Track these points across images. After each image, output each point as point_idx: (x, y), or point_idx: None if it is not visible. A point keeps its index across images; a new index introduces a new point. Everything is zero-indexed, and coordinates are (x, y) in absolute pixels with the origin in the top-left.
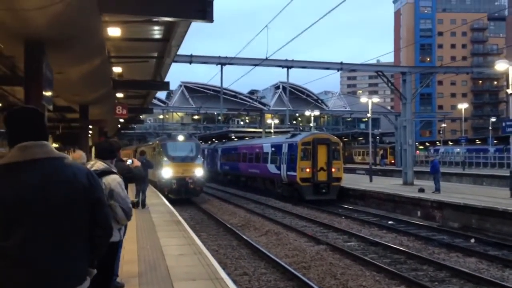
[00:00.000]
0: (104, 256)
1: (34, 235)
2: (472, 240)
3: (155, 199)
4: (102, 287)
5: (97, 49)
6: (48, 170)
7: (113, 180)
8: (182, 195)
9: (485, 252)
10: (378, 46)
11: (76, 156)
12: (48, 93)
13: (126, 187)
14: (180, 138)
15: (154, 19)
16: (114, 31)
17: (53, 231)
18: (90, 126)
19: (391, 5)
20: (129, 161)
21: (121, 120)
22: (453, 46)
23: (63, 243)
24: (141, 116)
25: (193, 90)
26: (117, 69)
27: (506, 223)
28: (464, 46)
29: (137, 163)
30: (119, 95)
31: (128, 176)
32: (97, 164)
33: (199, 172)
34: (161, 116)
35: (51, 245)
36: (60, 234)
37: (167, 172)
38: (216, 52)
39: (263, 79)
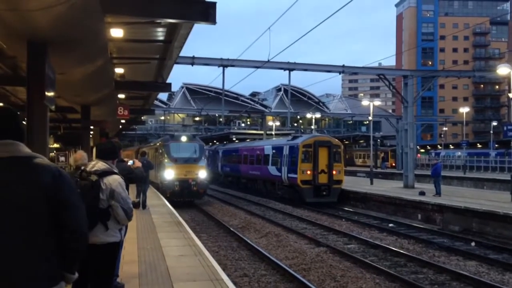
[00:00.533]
0: (103, 256)
1: None
2: (473, 244)
3: (155, 200)
4: None
5: (99, 50)
6: (7, 169)
7: (114, 181)
8: (185, 197)
9: (486, 255)
10: (380, 50)
11: (77, 156)
12: (50, 94)
13: (127, 188)
14: (183, 138)
15: (157, 21)
16: (116, 32)
17: (10, 231)
18: (92, 127)
19: (393, 10)
20: (130, 162)
21: (123, 121)
22: (455, 50)
23: (22, 244)
24: (142, 117)
25: (194, 92)
26: (119, 70)
27: (507, 227)
28: (466, 50)
29: (138, 164)
30: (121, 96)
31: (129, 176)
32: (98, 165)
33: (202, 174)
34: (162, 117)
35: (9, 245)
36: (18, 235)
37: (169, 173)
38: (218, 54)
39: (264, 82)
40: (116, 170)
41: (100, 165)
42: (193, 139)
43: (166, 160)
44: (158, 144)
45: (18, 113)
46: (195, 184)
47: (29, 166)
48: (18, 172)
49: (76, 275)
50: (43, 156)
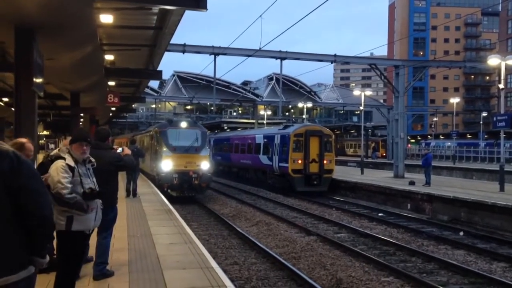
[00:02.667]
0: (62, 245)
1: None
2: (461, 233)
3: (146, 188)
4: (65, 278)
5: (89, 36)
6: None
7: (54, 164)
8: (184, 192)
9: (474, 245)
10: (372, 40)
11: (66, 143)
12: (38, 80)
13: (116, 176)
14: (183, 124)
15: (147, 7)
16: (106, 18)
17: None
18: (81, 114)
19: (385, 0)
20: (119, 150)
21: (113, 109)
22: (446, 40)
23: None
24: (133, 105)
25: (186, 80)
26: (109, 57)
27: (495, 217)
28: (457, 40)
29: (128, 151)
30: (111, 83)
31: (119, 164)
32: (54, 151)
33: (205, 165)
34: (153, 106)
35: None
36: None
37: (167, 164)
38: (209, 43)
39: (256, 71)
40: (64, 155)
41: (55, 151)
42: (195, 125)
43: (163, 149)
44: (153, 130)
45: None
46: (197, 177)
47: None
48: None
49: (47, 258)
50: (2, 142)
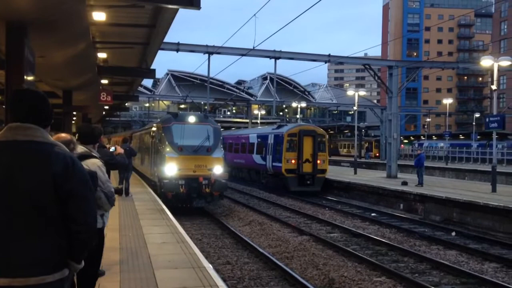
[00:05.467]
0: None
1: None
2: (453, 233)
3: (138, 187)
4: (88, 274)
5: (81, 33)
6: (21, 152)
7: (93, 164)
8: (193, 202)
9: (465, 245)
10: (366, 42)
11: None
12: (30, 77)
13: (108, 174)
14: (192, 118)
15: (141, 4)
16: (99, 16)
17: (14, 214)
18: (74, 112)
19: (379, 0)
20: (112, 148)
21: (106, 107)
22: (439, 41)
23: (25, 228)
24: (126, 104)
25: (179, 79)
26: (102, 55)
27: (487, 217)
28: (450, 41)
29: (120, 150)
30: (104, 81)
31: (111, 163)
32: (79, 148)
33: (218, 169)
34: (147, 104)
35: (9, 229)
36: (21, 218)
37: (171, 168)
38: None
39: (250, 70)
40: (96, 154)
41: (78, 149)
42: (205, 120)
43: (167, 150)
44: (155, 126)
45: (42, 97)
46: (208, 183)
47: (43, 152)
48: (31, 156)
49: (82, 264)
50: (61, 144)
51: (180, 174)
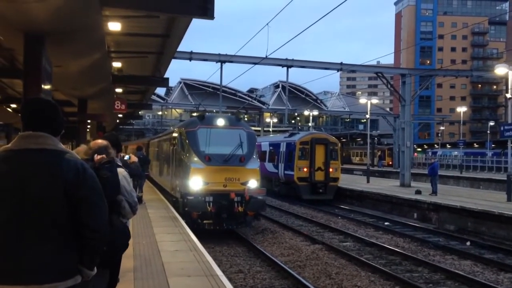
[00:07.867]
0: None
1: (7, 222)
2: (468, 243)
3: (151, 194)
4: (112, 278)
5: (97, 44)
6: (33, 160)
7: (120, 173)
8: (222, 223)
9: (480, 255)
10: (378, 50)
11: (80, 149)
12: (47, 87)
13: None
14: (221, 122)
15: (155, 15)
16: (114, 26)
17: (26, 221)
18: (88, 121)
19: (392, 8)
20: (126, 157)
21: (120, 115)
22: (453, 49)
23: (35, 235)
24: (139, 112)
25: (192, 87)
26: (116, 64)
27: (502, 227)
28: (464, 49)
29: (134, 158)
30: (118, 90)
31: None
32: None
33: (253, 183)
34: (160, 112)
35: (22, 235)
36: (33, 226)
37: (197, 182)
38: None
39: (262, 78)
40: (119, 163)
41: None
42: (238, 123)
43: (191, 159)
44: (176, 131)
45: (54, 106)
46: (241, 201)
47: (54, 160)
48: (43, 164)
49: (95, 271)
50: (72, 152)
51: (207, 189)
